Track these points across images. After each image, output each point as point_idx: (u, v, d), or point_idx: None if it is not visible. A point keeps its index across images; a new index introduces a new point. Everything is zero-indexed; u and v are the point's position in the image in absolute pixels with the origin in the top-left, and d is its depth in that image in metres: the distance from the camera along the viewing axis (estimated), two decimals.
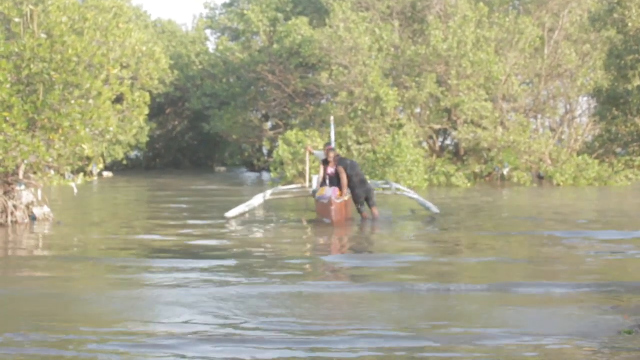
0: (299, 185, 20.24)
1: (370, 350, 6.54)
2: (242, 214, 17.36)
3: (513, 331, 7.04)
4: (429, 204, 18.23)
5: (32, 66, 14.44)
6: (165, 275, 10.09)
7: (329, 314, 7.87)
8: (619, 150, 29.80)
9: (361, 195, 16.98)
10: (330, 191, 16.39)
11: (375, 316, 7.73)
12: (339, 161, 17.00)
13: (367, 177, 27.95)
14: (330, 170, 16.97)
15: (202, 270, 10.50)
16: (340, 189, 16.62)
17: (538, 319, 7.55)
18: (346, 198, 16.79)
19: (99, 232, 15.33)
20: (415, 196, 19.00)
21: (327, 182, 16.88)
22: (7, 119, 14.07)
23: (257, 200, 18.11)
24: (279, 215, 18.25)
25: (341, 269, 11.22)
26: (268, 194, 18.45)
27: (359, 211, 17.02)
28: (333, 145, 18.98)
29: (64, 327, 7.22)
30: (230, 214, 16.99)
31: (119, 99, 16.73)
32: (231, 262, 11.20)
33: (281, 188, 19.69)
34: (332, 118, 20.63)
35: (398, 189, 19.73)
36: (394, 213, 18.34)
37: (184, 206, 21.18)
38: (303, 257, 12.41)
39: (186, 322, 7.41)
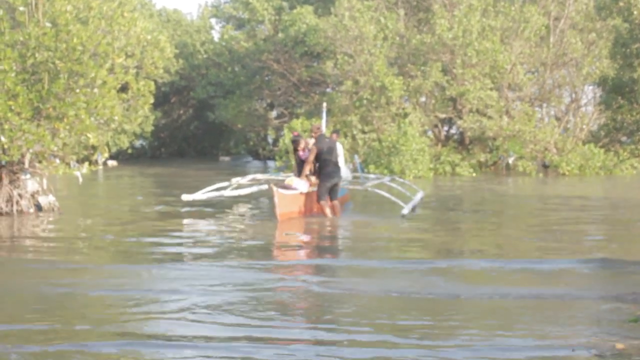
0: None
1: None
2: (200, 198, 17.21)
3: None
4: (407, 202, 16.20)
5: (37, 55, 14.43)
6: (168, 262, 10.11)
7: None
8: (624, 138, 29.79)
9: (330, 180, 15.20)
10: (298, 182, 15.37)
11: None
12: (318, 139, 15.50)
13: (372, 168, 28.24)
14: (303, 154, 15.96)
15: (207, 256, 10.59)
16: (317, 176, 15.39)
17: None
18: (306, 190, 15.46)
19: (103, 221, 15.33)
20: (388, 195, 16.67)
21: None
22: (12, 107, 14.08)
23: (221, 186, 17.77)
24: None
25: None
26: (235, 181, 17.67)
27: (319, 199, 15.30)
28: (324, 130, 18.64)
29: (64, 317, 7.24)
30: (187, 196, 16.95)
31: (123, 88, 16.70)
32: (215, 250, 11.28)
33: (258, 176, 18.72)
34: (324, 104, 20.56)
35: (378, 185, 17.88)
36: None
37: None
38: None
39: (191, 310, 7.44)
